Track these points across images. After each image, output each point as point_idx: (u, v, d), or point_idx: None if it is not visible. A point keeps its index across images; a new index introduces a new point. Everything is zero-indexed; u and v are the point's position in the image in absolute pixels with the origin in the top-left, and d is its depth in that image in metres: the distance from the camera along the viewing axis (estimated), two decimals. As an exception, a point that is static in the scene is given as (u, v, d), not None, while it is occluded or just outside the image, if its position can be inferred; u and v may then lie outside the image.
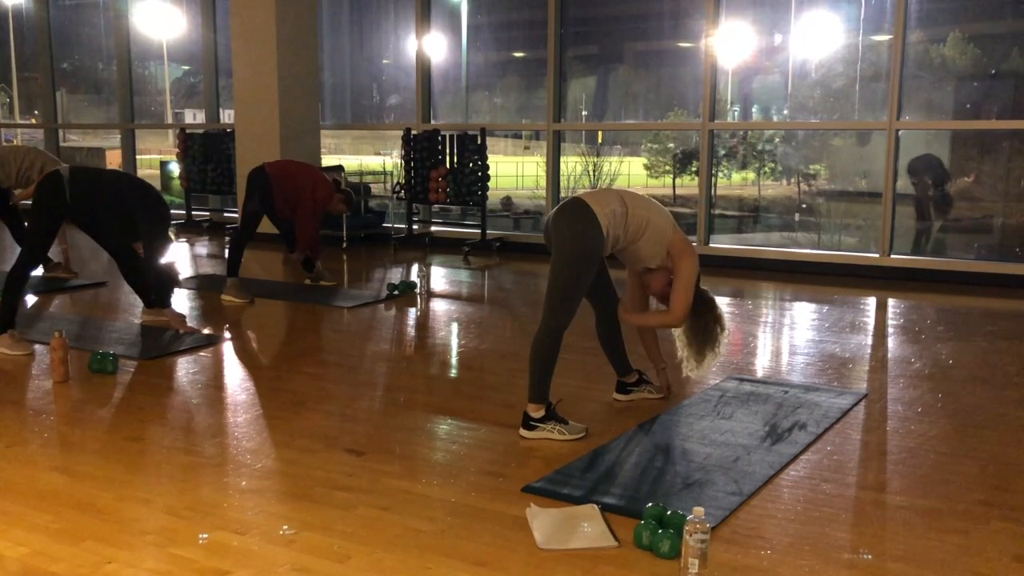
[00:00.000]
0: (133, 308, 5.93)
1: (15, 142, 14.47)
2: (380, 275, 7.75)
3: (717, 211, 8.80)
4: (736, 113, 9.22)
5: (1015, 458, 3.43)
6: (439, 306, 6.59)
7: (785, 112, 9.04)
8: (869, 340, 5.48)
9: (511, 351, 5.19)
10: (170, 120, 13.16)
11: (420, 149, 9.01)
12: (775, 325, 6.01)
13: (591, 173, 10.10)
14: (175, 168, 11.16)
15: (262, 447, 3.53)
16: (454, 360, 5.11)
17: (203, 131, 10.72)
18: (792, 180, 9.21)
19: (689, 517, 2.46)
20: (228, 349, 5.15)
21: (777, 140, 9.21)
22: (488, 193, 8.91)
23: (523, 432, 3.57)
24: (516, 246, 8.97)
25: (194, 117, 12.78)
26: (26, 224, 5.83)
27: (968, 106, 8.00)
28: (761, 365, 4.91)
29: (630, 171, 10.31)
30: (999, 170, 7.98)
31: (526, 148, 11.23)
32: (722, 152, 9.15)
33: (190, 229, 10.59)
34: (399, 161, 9.28)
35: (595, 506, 2.89)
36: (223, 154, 10.21)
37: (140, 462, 3.37)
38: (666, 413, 3.93)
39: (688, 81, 8.90)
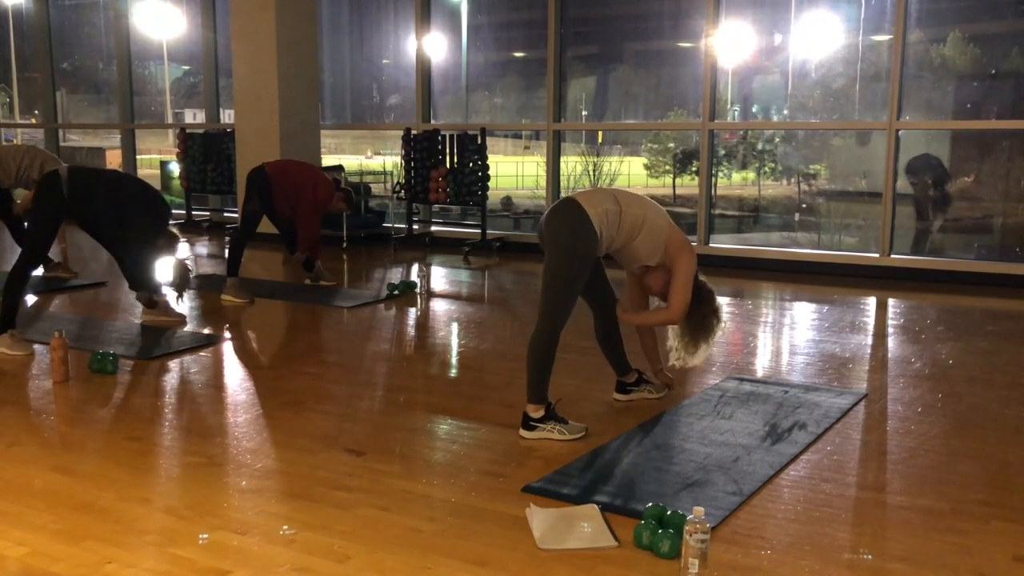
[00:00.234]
0: (133, 308, 5.93)
1: (15, 142, 14.47)
2: (380, 275, 7.75)
3: (717, 211, 8.80)
4: (736, 113, 9.22)
5: (1015, 458, 3.44)
6: (439, 306, 6.59)
7: (785, 112, 9.04)
8: (869, 340, 5.48)
9: (511, 351, 5.18)
10: (170, 120, 13.16)
11: (420, 149, 9.01)
12: (775, 325, 6.01)
13: (591, 173, 10.10)
14: (175, 168, 11.16)
15: (262, 447, 3.53)
16: (454, 360, 5.11)
17: (203, 131, 10.72)
18: (792, 180, 9.21)
19: (689, 517, 2.46)
20: (228, 349, 5.15)
21: (777, 140, 9.21)
22: (488, 193, 8.91)
23: (523, 432, 3.57)
24: (516, 246, 8.97)
25: (194, 117, 12.78)
26: (25, 224, 5.84)
27: (968, 106, 8.00)
28: (761, 365, 4.91)
29: (630, 171, 10.31)
30: (999, 170, 7.98)
31: (526, 148, 11.23)
32: (722, 152, 9.15)
33: (190, 229, 10.59)
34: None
35: (595, 506, 2.89)
36: (223, 154, 10.22)
37: (140, 462, 3.37)
38: (666, 413, 3.93)
39: (688, 81, 8.90)
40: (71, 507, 2.93)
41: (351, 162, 10.68)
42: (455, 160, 8.85)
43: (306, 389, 4.33)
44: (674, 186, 9.95)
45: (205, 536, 2.72)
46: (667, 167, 10.14)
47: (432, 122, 9.69)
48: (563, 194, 9.23)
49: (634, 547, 2.64)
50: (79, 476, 3.21)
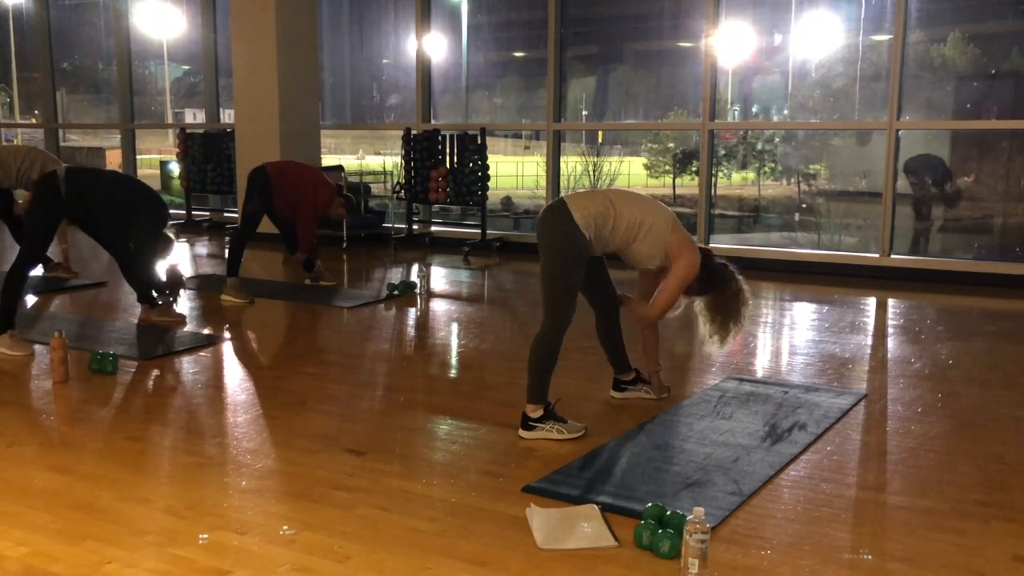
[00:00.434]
0: (133, 308, 5.93)
1: (15, 142, 14.47)
2: (380, 275, 7.75)
3: (717, 211, 8.80)
4: (736, 113, 9.22)
5: (1015, 458, 3.44)
6: (439, 306, 6.59)
7: (785, 112, 9.04)
8: (869, 340, 5.48)
9: (511, 351, 5.19)
10: (170, 120, 13.17)
11: (420, 149, 9.01)
12: (775, 325, 6.01)
13: (591, 173, 10.10)
14: (175, 168, 11.16)
15: (262, 447, 3.53)
16: (454, 360, 5.11)
17: (203, 131, 10.72)
18: (792, 180, 9.22)
19: (689, 517, 2.46)
20: (228, 349, 5.15)
21: (777, 140, 9.21)
22: (488, 193, 8.91)
23: (522, 432, 3.57)
24: (516, 246, 8.97)
25: (194, 117, 12.78)
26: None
27: (968, 106, 8.00)
28: (761, 365, 4.91)
29: (630, 171, 10.31)
30: (999, 170, 7.98)
31: (526, 148, 11.24)
32: (722, 152, 9.15)
33: (190, 229, 10.59)
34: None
35: (595, 506, 2.90)
36: (223, 154, 10.22)
37: (140, 462, 3.37)
38: (666, 413, 3.93)
39: (688, 81, 8.90)
40: (71, 507, 2.93)
41: (351, 162, 10.68)
42: (455, 160, 8.85)
43: (306, 389, 4.33)
44: (674, 186, 9.96)
45: (205, 536, 2.72)
46: (667, 167, 10.14)
47: (432, 122, 9.69)
48: (563, 194, 9.28)
49: (634, 547, 2.64)
50: (79, 476, 3.21)
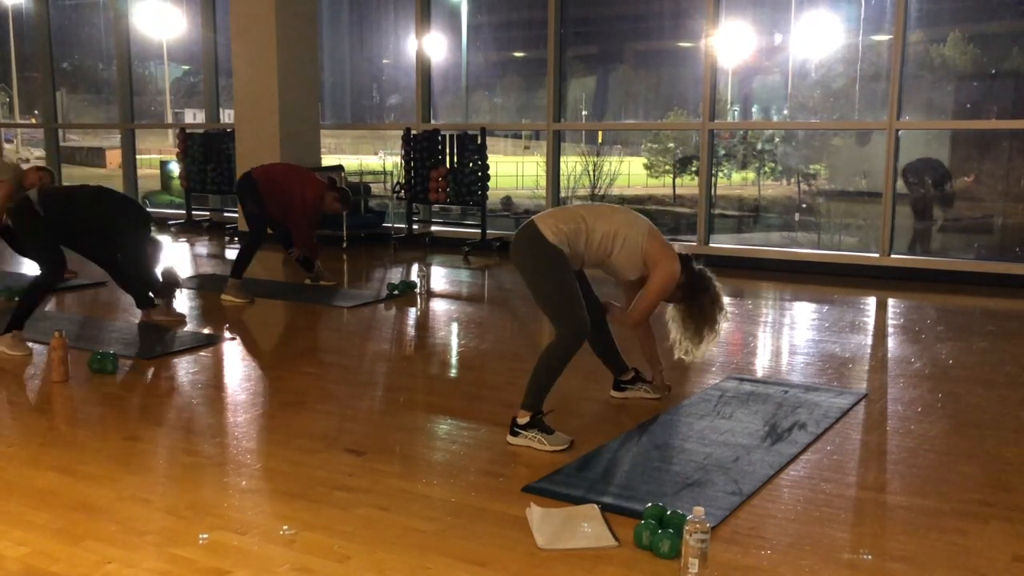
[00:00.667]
0: (133, 308, 5.93)
1: (15, 142, 14.49)
2: (380, 275, 7.75)
3: (717, 211, 8.80)
4: (736, 113, 9.22)
5: (1015, 458, 3.44)
6: (439, 306, 6.59)
7: (785, 112, 9.04)
8: (869, 340, 5.48)
9: (511, 351, 5.19)
10: (170, 120, 13.16)
11: (420, 149, 9.01)
12: (775, 325, 6.01)
13: (591, 173, 10.10)
14: (175, 168, 11.16)
15: (262, 447, 3.53)
16: (454, 360, 5.11)
17: (203, 131, 10.72)
18: (792, 180, 9.21)
19: (689, 517, 2.46)
20: (228, 349, 5.15)
21: (777, 140, 9.21)
22: (488, 193, 8.91)
23: (509, 437, 3.56)
24: (516, 246, 8.95)
25: (194, 117, 12.78)
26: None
27: (968, 106, 8.00)
28: (761, 365, 4.91)
29: (630, 171, 10.31)
30: (999, 170, 7.98)
31: (526, 148, 11.23)
32: (722, 152, 9.15)
33: (190, 229, 10.59)
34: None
35: (595, 506, 2.89)
36: (223, 154, 10.22)
37: (140, 462, 3.37)
38: (666, 413, 3.93)
39: (688, 81, 8.90)
40: (71, 507, 2.93)
41: (351, 162, 10.68)
42: (455, 160, 8.85)
43: (306, 389, 4.33)
44: (674, 186, 9.96)
45: (205, 536, 2.72)
46: (667, 167, 10.14)
47: (432, 122, 9.69)
48: (563, 194, 9.29)
49: (634, 547, 2.64)
50: (79, 476, 3.21)
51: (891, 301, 6.66)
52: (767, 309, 6.53)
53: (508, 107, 10.34)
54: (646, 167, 10.39)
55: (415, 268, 8.09)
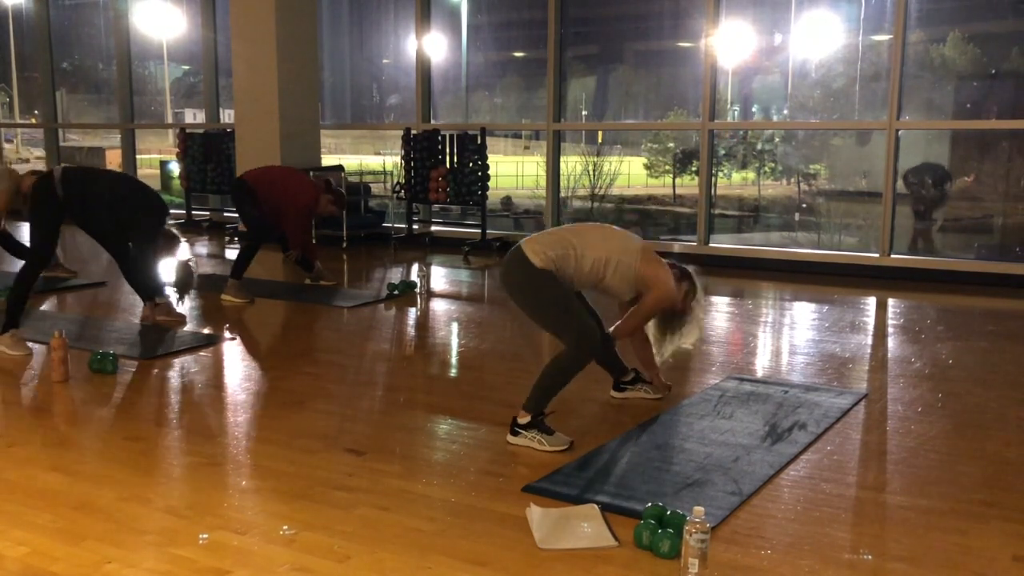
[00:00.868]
0: (133, 308, 5.93)
1: (15, 142, 14.49)
2: (380, 275, 7.75)
3: (717, 211, 8.80)
4: (736, 113, 9.22)
5: (1015, 458, 3.44)
6: (439, 306, 6.59)
7: (785, 112, 9.04)
8: (869, 340, 5.48)
9: (511, 351, 5.19)
10: (170, 120, 13.16)
11: (420, 149, 9.01)
12: (775, 325, 6.01)
13: (591, 173, 10.10)
14: (175, 168, 11.16)
15: (262, 447, 3.53)
16: (454, 360, 5.11)
17: (203, 131, 10.72)
18: (792, 180, 9.21)
19: (689, 517, 2.46)
20: (228, 349, 5.15)
21: (777, 140, 9.21)
22: (488, 193, 8.91)
23: (508, 437, 3.56)
24: (516, 246, 8.95)
25: (194, 117, 12.78)
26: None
27: (968, 106, 8.00)
28: (761, 365, 4.91)
29: (630, 171, 10.31)
30: (999, 170, 7.98)
31: (526, 148, 11.23)
32: (722, 152, 9.15)
33: (190, 229, 10.59)
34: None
35: (595, 506, 2.90)
36: (223, 154, 10.22)
37: (140, 462, 3.37)
38: (666, 413, 3.93)
39: (688, 81, 8.89)
40: (71, 507, 2.93)
41: (351, 162, 10.67)
42: (455, 160, 8.85)
43: (306, 389, 4.33)
44: (674, 186, 9.95)
45: (205, 536, 2.72)
46: (667, 167, 10.14)
47: (432, 122, 9.69)
48: (563, 194, 9.29)
49: (634, 547, 2.64)
50: (79, 476, 3.21)
51: (891, 301, 6.66)
52: (767, 309, 6.53)
53: (508, 107, 10.34)
54: (646, 167, 10.39)
55: (415, 268, 8.09)
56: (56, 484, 3.13)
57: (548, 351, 3.62)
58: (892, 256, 7.53)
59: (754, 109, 9.28)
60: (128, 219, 5.26)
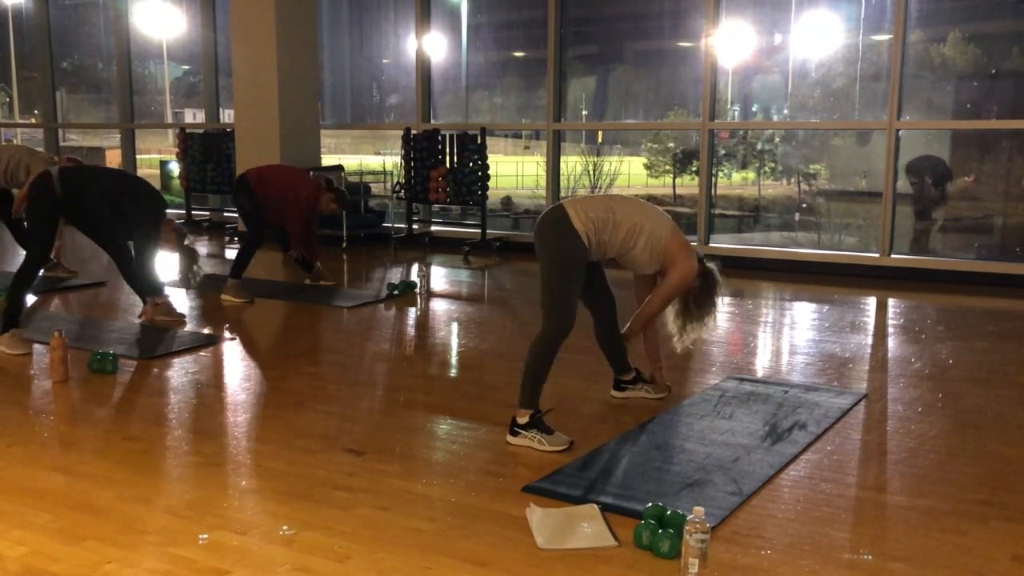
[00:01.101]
0: (133, 308, 5.93)
1: (15, 141, 14.47)
2: (380, 275, 7.75)
3: (717, 211, 8.80)
4: (736, 113, 9.22)
5: (1015, 458, 3.44)
6: (439, 306, 6.59)
7: (785, 112, 9.04)
8: (869, 340, 5.48)
9: (511, 351, 5.19)
10: (170, 120, 13.16)
11: (420, 149, 9.01)
12: (775, 325, 6.01)
13: (591, 173, 10.10)
14: (175, 168, 11.16)
15: (262, 447, 3.53)
16: (454, 360, 5.11)
17: (203, 131, 10.72)
18: (792, 180, 9.21)
19: (689, 517, 2.46)
20: (228, 349, 5.15)
21: (777, 140, 9.21)
22: (488, 193, 8.91)
23: (508, 437, 3.56)
24: (516, 246, 8.96)
25: (194, 117, 12.78)
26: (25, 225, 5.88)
27: (968, 106, 8.00)
28: (761, 365, 4.91)
29: (630, 171, 10.31)
30: (999, 170, 7.98)
31: (526, 148, 11.23)
32: (722, 152, 9.15)
33: (190, 229, 10.57)
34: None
35: (595, 506, 2.90)
36: (223, 154, 10.22)
37: (140, 462, 3.37)
38: (666, 412, 3.93)
39: (688, 81, 8.89)
40: (71, 507, 2.93)
41: (351, 162, 10.68)
42: (455, 160, 8.85)
43: (306, 389, 4.33)
44: (674, 186, 9.95)
45: (205, 536, 2.72)
46: (667, 167, 10.14)
47: (432, 122, 9.69)
48: (563, 194, 9.28)
49: (634, 547, 2.64)
50: (79, 476, 3.21)
51: (891, 301, 6.66)
52: (767, 309, 6.53)
53: (508, 107, 10.34)
54: (646, 167, 10.39)
55: (415, 268, 8.09)
56: (56, 484, 3.13)
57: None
58: (892, 256, 7.53)
59: (754, 109, 9.28)
60: (127, 216, 5.25)
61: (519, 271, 8.10)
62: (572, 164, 9.71)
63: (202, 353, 4.99)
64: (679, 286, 3.75)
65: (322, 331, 5.78)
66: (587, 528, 2.75)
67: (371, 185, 10.06)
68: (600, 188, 10.12)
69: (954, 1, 8.34)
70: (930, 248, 8.12)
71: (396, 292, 6.63)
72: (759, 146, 9.33)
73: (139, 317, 5.67)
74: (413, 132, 9.16)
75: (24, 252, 6.72)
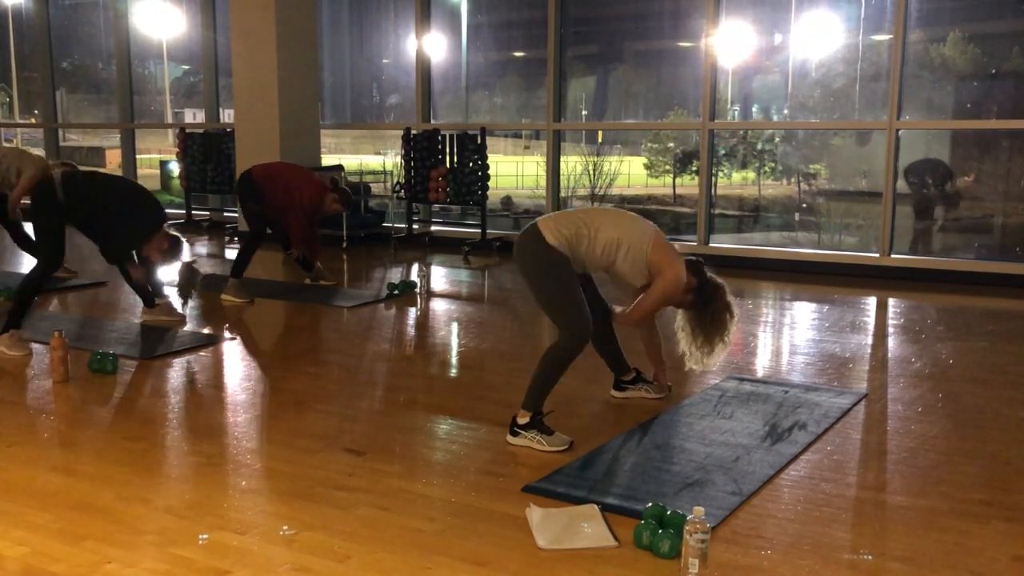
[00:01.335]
0: (133, 308, 5.93)
1: (15, 142, 14.48)
2: (380, 275, 7.75)
3: (717, 211, 8.80)
4: (736, 113, 9.22)
5: (1015, 458, 3.44)
6: (439, 306, 6.59)
7: (785, 112, 9.04)
8: (869, 340, 5.48)
9: (511, 351, 5.19)
10: (170, 120, 13.16)
11: (420, 149, 9.01)
12: (775, 325, 6.01)
13: (591, 173, 10.10)
14: (175, 167, 11.16)
15: (262, 447, 3.53)
16: (454, 360, 5.11)
17: (203, 131, 10.72)
18: (792, 180, 9.21)
19: (689, 517, 2.46)
20: (228, 349, 5.15)
21: (777, 140, 9.21)
22: (488, 193, 8.90)
23: (508, 437, 3.56)
24: (516, 246, 8.95)
25: (194, 117, 12.77)
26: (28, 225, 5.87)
27: (968, 106, 8.00)
28: (761, 365, 4.91)
29: (630, 171, 10.31)
30: (999, 170, 7.98)
31: (526, 148, 11.23)
32: (722, 152, 9.15)
33: (190, 229, 10.59)
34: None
35: (595, 506, 2.90)
36: (223, 154, 10.22)
37: (140, 462, 3.37)
38: (666, 413, 3.93)
39: (688, 81, 8.89)
40: (71, 507, 2.93)
41: (351, 162, 10.67)
42: (455, 160, 8.85)
43: (306, 389, 4.33)
44: (674, 186, 9.95)
45: (205, 536, 2.72)
46: (667, 167, 10.14)
47: (432, 122, 9.69)
48: (563, 194, 9.29)
49: (634, 547, 2.64)
50: (79, 476, 3.21)
51: (891, 301, 6.66)
52: (767, 309, 6.53)
53: (508, 107, 10.34)
54: (646, 167, 10.38)
55: (415, 268, 8.09)
56: (56, 484, 3.13)
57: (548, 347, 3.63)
58: (892, 256, 7.53)
59: (754, 109, 9.28)
60: (124, 223, 5.23)
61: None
62: (572, 164, 9.71)
63: (202, 353, 4.99)
64: (665, 291, 3.68)
65: (322, 331, 5.78)
66: (587, 528, 2.75)
67: (371, 185, 10.06)
68: (600, 188, 10.12)
69: (954, 1, 8.34)
70: (930, 248, 8.12)
71: (396, 292, 6.63)
72: (759, 146, 9.33)
73: (142, 319, 5.66)
74: (413, 132, 9.16)
75: (23, 252, 6.75)
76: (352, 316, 6.09)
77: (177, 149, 10.75)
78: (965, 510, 2.95)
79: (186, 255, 5.72)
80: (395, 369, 4.84)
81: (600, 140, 10.45)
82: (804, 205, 9.05)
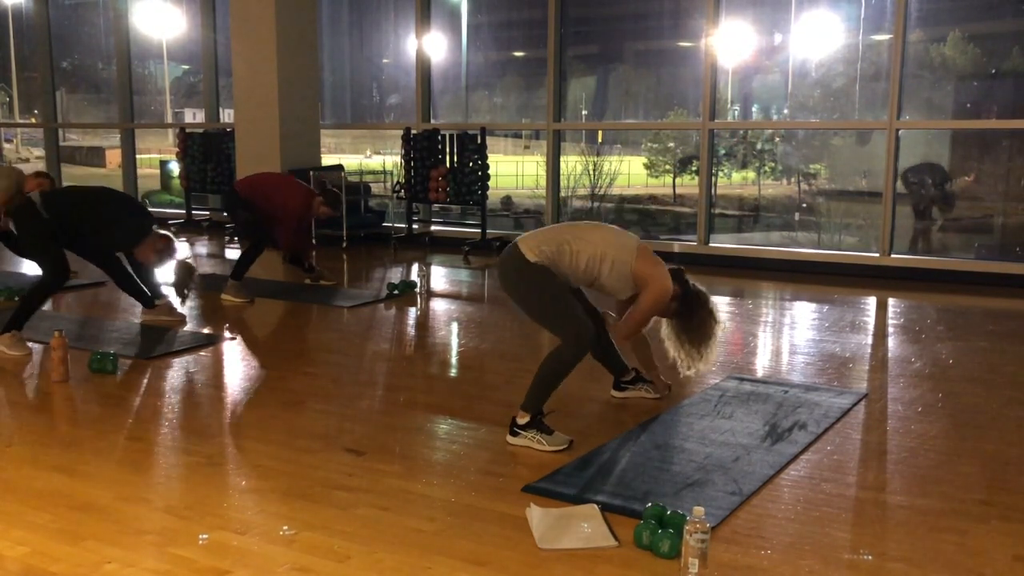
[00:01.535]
0: (133, 308, 5.93)
1: (15, 141, 14.48)
2: (380, 275, 7.75)
3: (717, 210, 8.80)
4: (736, 113, 9.22)
5: (1015, 458, 3.44)
6: (439, 306, 6.59)
7: (785, 112, 9.04)
8: (869, 340, 5.48)
9: (511, 351, 5.19)
10: (170, 119, 13.16)
11: (420, 149, 9.01)
12: (775, 325, 6.01)
13: (591, 173, 10.10)
14: (175, 167, 11.16)
15: (262, 447, 3.53)
16: (454, 360, 5.11)
17: (203, 131, 10.72)
18: (792, 179, 9.21)
19: (689, 517, 2.46)
20: (228, 349, 5.15)
21: (777, 140, 9.20)
22: (488, 193, 8.90)
23: (508, 437, 3.56)
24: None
25: (194, 116, 12.77)
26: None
27: (968, 106, 7.99)
28: (761, 365, 4.91)
29: (630, 171, 10.30)
30: (999, 170, 7.98)
31: (526, 148, 11.22)
32: (722, 151, 9.15)
33: (190, 228, 10.59)
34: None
35: (595, 506, 2.90)
36: (223, 154, 10.22)
37: (140, 462, 3.37)
38: (666, 412, 3.93)
39: (688, 81, 8.89)
40: (71, 507, 2.93)
41: (351, 162, 10.67)
42: (455, 160, 8.85)
43: (306, 389, 4.33)
44: (674, 185, 9.95)
45: (205, 536, 2.72)
46: (667, 166, 10.14)
47: (432, 122, 9.69)
48: (563, 193, 9.29)
49: (634, 547, 2.64)
50: (79, 476, 3.21)
51: (891, 301, 6.66)
52: (767, 309, 6.53)
53: (508, 107, 10.33)
54: (646, 167, 10.38)
55: (415, 268, 8.09)
56: (56, 484, 3.13)
57: (548, 350, 3.63)
58: (892, 256, 7.53)
59: (754, 109, 9.28)
60: (110, 232, 5.19)
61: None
62: (572, 164, 9.71)
63: (202, 353, 4.99)
64: (653, 303, 3.67)
65: (322, 331, 5.78)
66: (587, 528, 2.75)
67: (371, 185, 10.06)
68: (600, 188, 10.11)
69: (954, 1, 8.34)
70: (930, 248, 8.11)
71: (396, 292, 6.63)
72: (759, 146, 9.33)
73: (142, 319, 5.66)
74: (413, 132, 9.16)
75: (22, 256, 6.72)
76: (352, 316, 6.09)
77: (177, 149, 10.75)
78: (965, 510, 2.95)
79: (180, 253, 5.71)
80: (395, 369, 4.84)
81: (600, 140, 10.45)
82: (804, 205, 9.05)
